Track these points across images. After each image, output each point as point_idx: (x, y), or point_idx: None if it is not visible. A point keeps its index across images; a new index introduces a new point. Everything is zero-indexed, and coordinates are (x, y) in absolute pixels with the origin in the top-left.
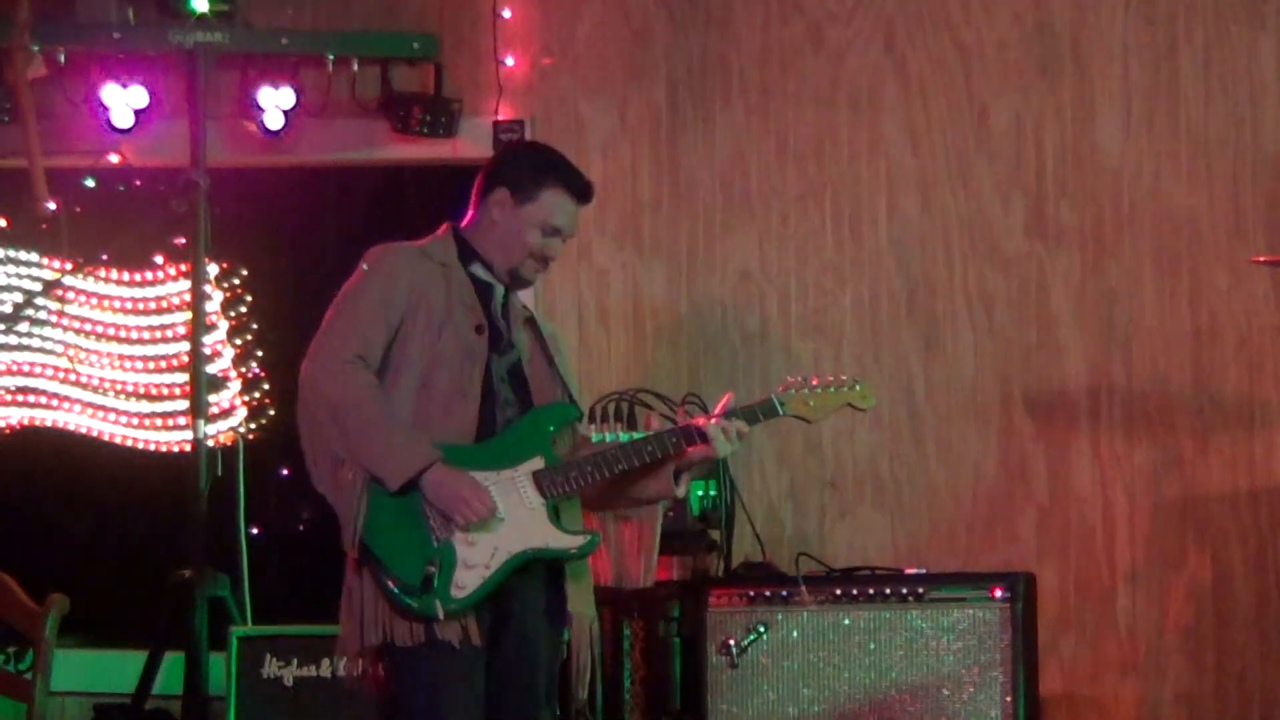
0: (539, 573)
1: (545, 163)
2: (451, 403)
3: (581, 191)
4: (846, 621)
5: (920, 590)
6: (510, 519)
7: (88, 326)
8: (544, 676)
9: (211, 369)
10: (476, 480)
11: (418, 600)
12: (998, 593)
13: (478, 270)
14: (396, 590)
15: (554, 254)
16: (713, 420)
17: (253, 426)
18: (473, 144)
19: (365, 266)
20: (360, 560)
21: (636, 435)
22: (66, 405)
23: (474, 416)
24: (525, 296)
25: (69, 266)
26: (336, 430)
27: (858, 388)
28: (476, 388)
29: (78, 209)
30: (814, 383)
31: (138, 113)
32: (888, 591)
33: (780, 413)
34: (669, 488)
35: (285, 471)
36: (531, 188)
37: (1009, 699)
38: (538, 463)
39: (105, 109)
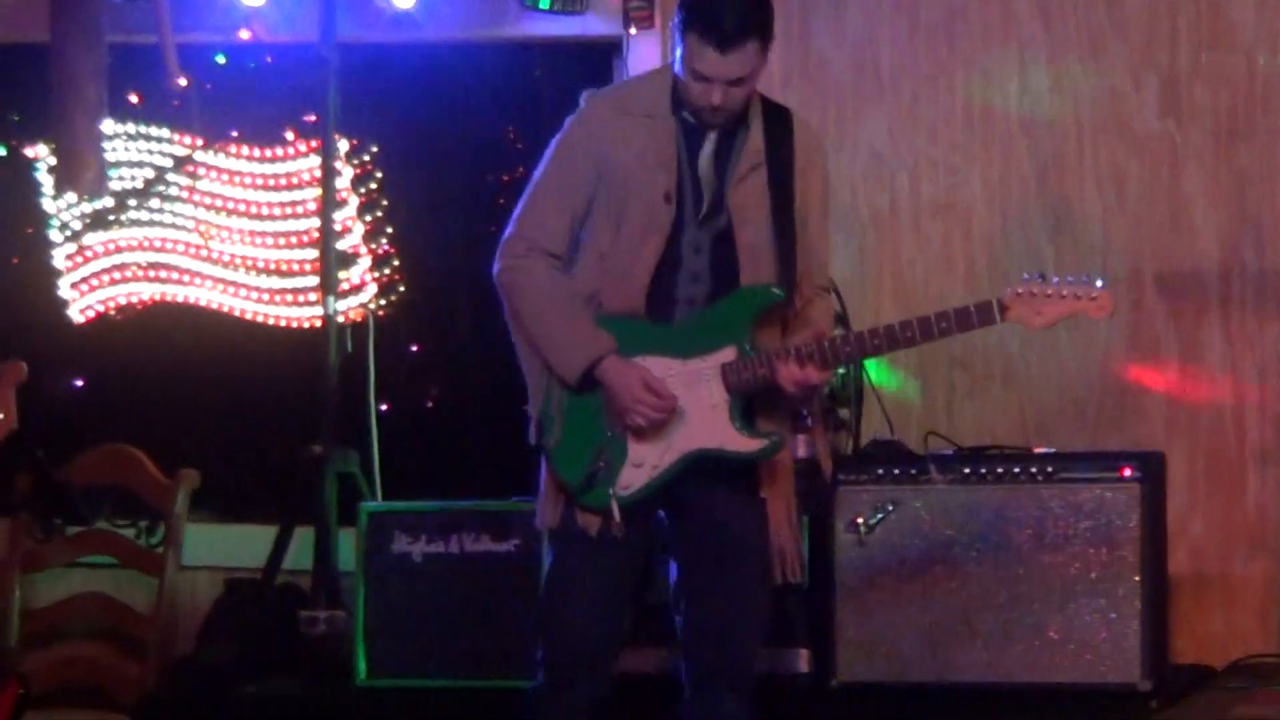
0: (729, 461)
1: (689, 4)
2: (624, 277)
3: (714, 37)
4: (975, 500)
5: (1049, 469)
6: (689, 415)
7: (218, 202)
8: (746, 557)
9: (341, 245)
10: (651, 376)
11: (584, 497)
12: (1127, 472)
13: (688, 116)
14: (563, 486)
15: (714, 101)
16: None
17: (382, 303)
18: (602, 21)
19: (562, 129)
20: (539, 451)
21: None
22: (198, 281)
23: (641, 290)
24: None
25: (199, 143)
26: (519, 327)
27: (1095, 296)
28: (650, 260)
29: (208, 85)
30: (1044, 286)
31: None
32: (1016, 470)
33: (998, 319)
34: None
35: (415, 348)
36: (681, 31)
37: (1137, 578)
38: (729, 354)
39: None
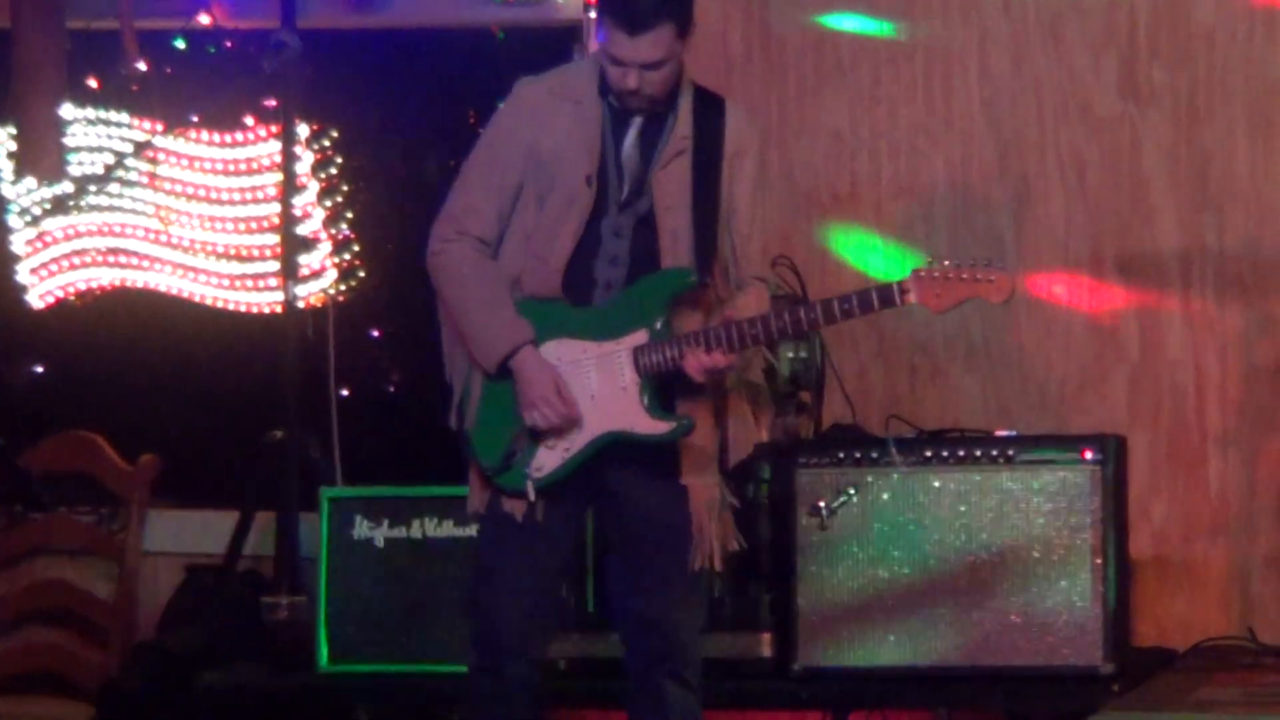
0: (645, 446)
1: None
2: (542, 258)
3: (625, 21)
4: (936, 484)
5: (1010, 452)
6: (601, 397)
7: (178, 188)
8: (673, 544)
9: (302, 230)
10: (562, 382)
11: (500, 479)
12: (1088, 455)
13: (615, 101)
14: (480, 468)
15: (630, 84)
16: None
17: (343, 288)
18: (566, 6)
19: (494, 115)
20: (460, 436)
21: None
22: (157, 266)
23: (558, 272)
24: None
25: (159, 128)
26: (445, 310)
27: (993, 279)
28: (568, 243)
29: (168, 70)
30: (944, 270)
31: None
32: (978, 453)
33: (898, 303)
34: None
35: (376, 333)
36: (599, 15)
37: (1099, 561)
38: (641, 337)
39: None
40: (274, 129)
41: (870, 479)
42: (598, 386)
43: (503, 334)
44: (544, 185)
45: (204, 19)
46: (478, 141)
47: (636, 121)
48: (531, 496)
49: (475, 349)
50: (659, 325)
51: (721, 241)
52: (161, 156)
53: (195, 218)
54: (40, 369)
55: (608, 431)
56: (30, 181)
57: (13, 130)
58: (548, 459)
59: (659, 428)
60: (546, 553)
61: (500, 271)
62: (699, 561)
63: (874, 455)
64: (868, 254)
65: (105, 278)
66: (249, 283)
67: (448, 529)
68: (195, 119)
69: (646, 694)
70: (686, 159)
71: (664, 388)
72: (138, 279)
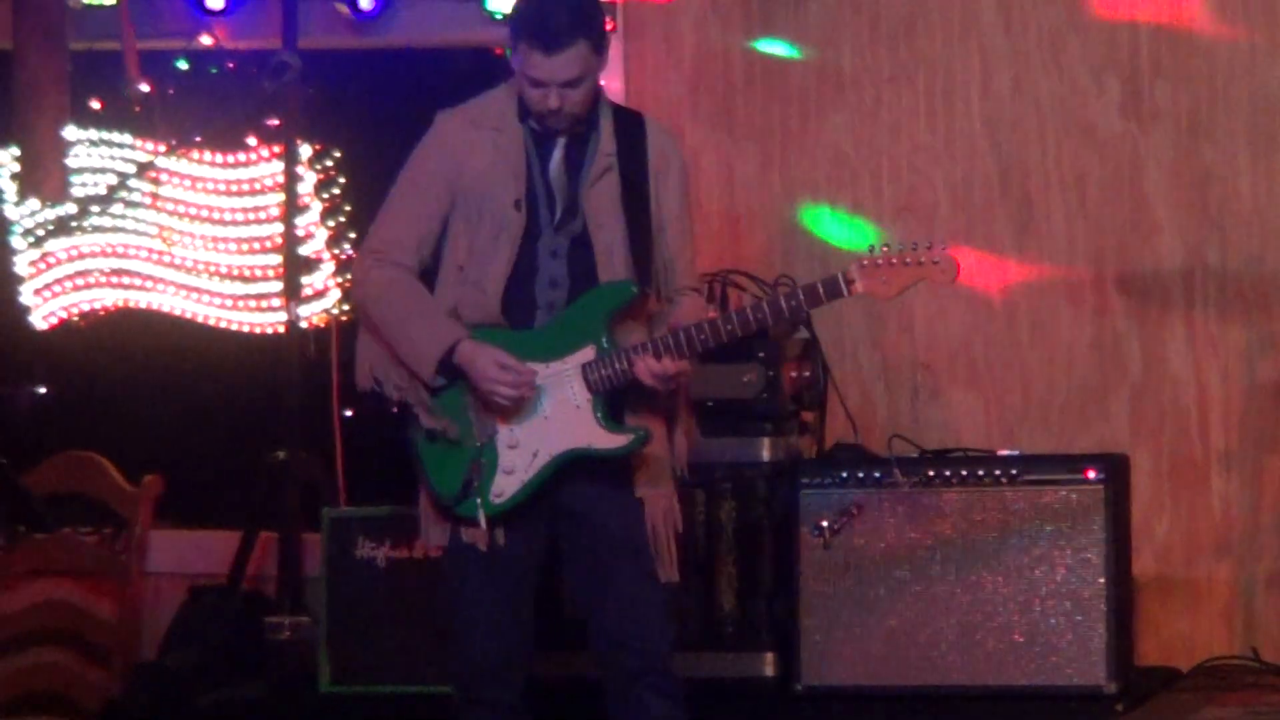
0: (602, 461)
1: (515, 12)
2: (478, 287)
3: (540, 41)
4: (939, 503)
5: (1013, 472)
6: (554, 417)
7: (181, 208)
8: (633, 558)
9: (305, 251)
10: (504, 354)
11: (458, 507)
12: (1091, 474)
13: (536, 124)
14: (438, 499)
15: (551, 104)
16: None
17: (346, 308)
18: None
19: (415, 149)
20: (415, 466)
21: None
22: (160, 287)
23: (495, 298)
24: None
25: (162, 148)
26: (377, 338)
27: (937, 261)
28: (503, 268)
29: (170, 91)
30: (888, 255)
31: None
32: (981, 473)
33: (845, 293)
34: None
35: None
36: (512, 39)
37: (1102, 580)
38: (588, 354)
39: None
40: (276, 149)
41: (873, 498)
42: (550, 407)
43: (437, 335)
44: (472, 215)
45: (206, 40)
46: (397, 177)
47: (560, 143)
48: (482, 524)
49: (412, 359)
50: (604, 340)
51: (655, 255)
52: (164, 177)
53: (198, 238)
54: (43, 390)
55: (566, 450)
56: (34, 203)
57: (16, 152)
58: (507, 484)
59: (617, 441)
60: (513, 578)
61: (425, 289)
62: (661, 575)
63: (877, 475)
64: None
65: (108, 298)
66: (252, 303)
67: None
68: (198, 139)
69: (629, 711)
70: (614, 175)
71: (615, 402)
72: (141, 300)
